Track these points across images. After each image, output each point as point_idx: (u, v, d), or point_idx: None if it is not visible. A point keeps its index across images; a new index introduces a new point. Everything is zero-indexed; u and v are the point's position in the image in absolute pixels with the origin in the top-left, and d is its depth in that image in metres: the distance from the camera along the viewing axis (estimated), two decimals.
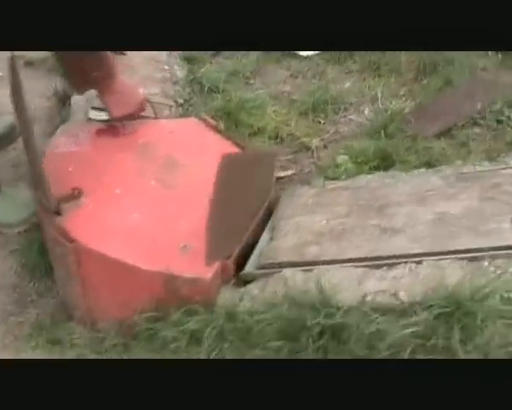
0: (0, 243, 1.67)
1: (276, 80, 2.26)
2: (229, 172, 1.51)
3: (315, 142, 1.90)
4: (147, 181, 1.47)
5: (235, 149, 1.65)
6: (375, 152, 1.73)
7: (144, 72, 2.02)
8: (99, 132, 1.63)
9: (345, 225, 1.37)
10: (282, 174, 1.76)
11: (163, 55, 2.17)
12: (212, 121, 1.75)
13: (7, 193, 1.72)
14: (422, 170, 1.59)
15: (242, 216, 1.39)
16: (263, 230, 1.45)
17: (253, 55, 2.36)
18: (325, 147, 1.89)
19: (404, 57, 2.20)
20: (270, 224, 1.47)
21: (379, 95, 2.10)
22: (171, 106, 1.89)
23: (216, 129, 1.73)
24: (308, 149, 1.88)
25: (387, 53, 2.23)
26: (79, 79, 1.40)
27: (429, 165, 1.63)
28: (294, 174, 1.78)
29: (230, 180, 1.47)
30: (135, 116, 1.55)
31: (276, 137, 1.91)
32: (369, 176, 1.61)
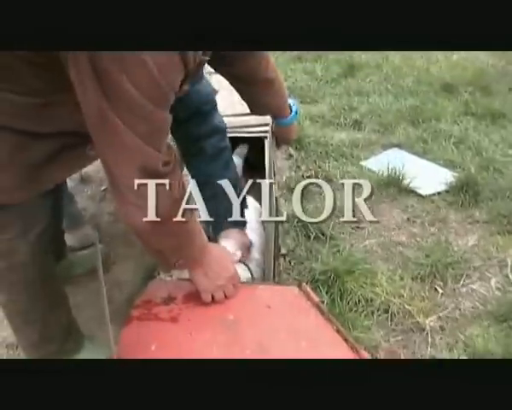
0: None
1: (391, 226, 2.06)
2: None
3: (430, 321, 1.67)
4: None
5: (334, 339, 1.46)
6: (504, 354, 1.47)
7: None
8: (188, 298, 1.51)
9: None
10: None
11: None
12: (314, 296, 1.58)
13: None
14: None
15: None
16: None
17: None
18: (442, 329, 1.66)
19: None
20: None
21: (509, 261, 1.83)
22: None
23: (318, 306, 1.56)
24: (422, 329, 1.66)
25: None
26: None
27: None
28: None
29: None
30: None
31: (387, 311, 1.70)
32: None
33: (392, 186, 2.22)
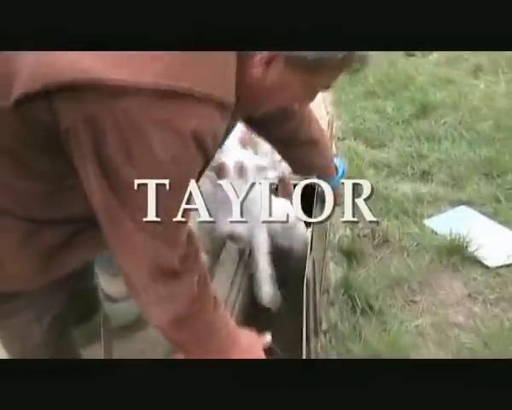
0: None
1: (448, 301, 1.88)
2: None
3: None
4: None
5: None
6: None
7: None
8: None
9: None
10: None
11: None
12: None
13: None
14: None
15: None
16: None
17: (426, 257, 2.02)
18: None
19: None
20: None
21: None
22: None
23: None
24: None
25: None
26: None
27: None
28: None
29: None
30: None
31: None
32: None
33: (455, 254, 2.04)
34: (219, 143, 0.95)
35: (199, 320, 1.03)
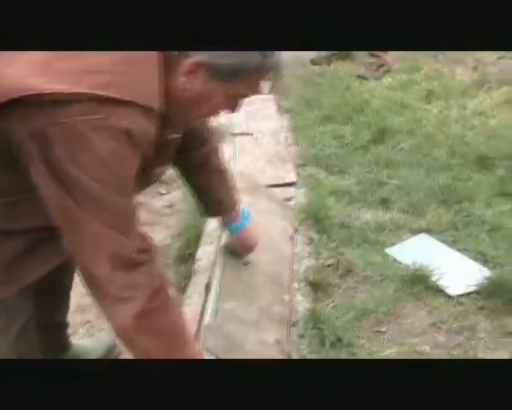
0: None
1: (414, 331, 1.91)
2: None
3: None
4: None
5: None
6: None
7: None
8: None
9: None
10: None
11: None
12: None
13: None
14: None
15: None
16: None
17: (390, 287, 2.05)
18: None
19: None
20: None
21: None
22: None
23: None
24: None
25: None
26: None
27: None
28: None
29: None
30: None
31: None
32: None
33: (418, 283, 2.08)
34: (152, 144, 1.05)
35: (161, 318, 1.10)
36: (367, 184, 2.73)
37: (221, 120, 3.45)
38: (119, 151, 0.98)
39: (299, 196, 2.64)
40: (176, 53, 1.03)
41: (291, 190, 2.67)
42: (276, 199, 2.57)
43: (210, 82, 1.05)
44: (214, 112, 1.18)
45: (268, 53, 1.05)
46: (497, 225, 2.40)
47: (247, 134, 3.28)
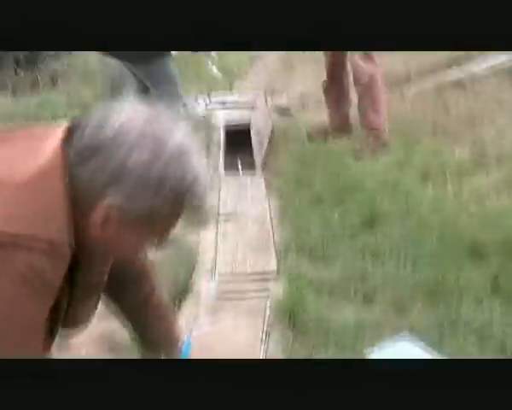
0: None
1: None
2: None
3: None
4: None
5: None
6: None
7: None
8: None
9: None
10: None
11: None
12: None
13: None
14: None
15: None
16: None
17: None
18: None
19: None
20: None
21: None
22: None
23: None
24: None
25: None
26: None
27: None
28: None
29: None
30: None
31: None
32: None
33: None
34: (58, 279, 0.99)
35: None
36: (350, 276, 2.59)
37: (209, 199, 3.37)
38: (14, 297, 0.92)
39: (276, 287, 2.52)
40: (87, 194, 0.99)
41: (268, 281, 2.56)
42: (252, 291, 2.46)
43: (124, 228, 1.02)
44: (129, 254, 1.20)
45: (184, 194, 1.02)
46: (486, 328, 2.24)
47: (232, 215, 3.18)
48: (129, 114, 0.99)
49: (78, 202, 0.98)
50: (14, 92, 5.62)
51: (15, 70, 6.03)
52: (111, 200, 0.98)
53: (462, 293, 2.45)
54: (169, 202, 1.00)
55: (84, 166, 0.97)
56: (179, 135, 1.02)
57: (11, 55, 5.96)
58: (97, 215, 0.99)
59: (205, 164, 1.08)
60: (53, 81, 5.72)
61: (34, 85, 5.79)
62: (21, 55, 6.02)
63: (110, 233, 1.02)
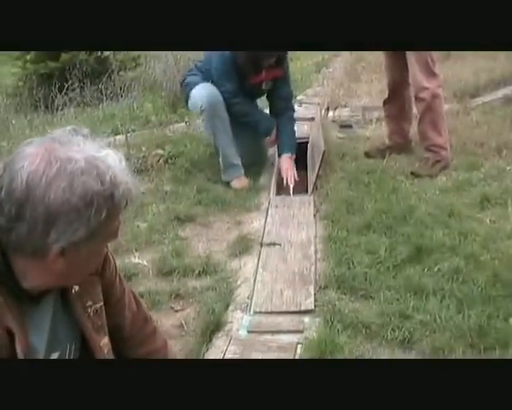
0: None
1: None
2: None
3: None
4: None
5: None
6: None
7: None
8: None
9: None
10: None
11: None
12: None
13: None
14: None
15: None
16: None
17: None
18: None
19: None
20: None
21: None
22: None
23: None
24: None
25: None
26: None
27: None
28: None
29: None
30: None
31: None
32: None
33: None
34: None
35: None
36: (389, 316, 2.51)
37: (254, 224, 3.37)
38: None
39: (310, 323, 2.48)
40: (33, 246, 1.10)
41: (303, 320, 2.52)
42: (285, 327, 2.45)
43: (80, 250, 1.13)
44: (95, 264, 1.29)
45: (111, 191, 1.10)
46: None
47: (275, 244, 3.15)
48: (30, 158, 1.06)
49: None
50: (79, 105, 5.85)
51: (82, 83, 6.27)
52: (59, 243, 1.08)
53: (509, 342, 2.30)
54: (103, 208, 1.09)
55: (17, 222, 1.06)
56: (78, 149, 1.09)
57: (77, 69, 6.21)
58: (53, 258, 1.11)
59: (116, 158, 1.15)
60: (117, 95, 5.89)
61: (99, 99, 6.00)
62: (89, 68, 6.25)
63: (72, 259, 1.13)
